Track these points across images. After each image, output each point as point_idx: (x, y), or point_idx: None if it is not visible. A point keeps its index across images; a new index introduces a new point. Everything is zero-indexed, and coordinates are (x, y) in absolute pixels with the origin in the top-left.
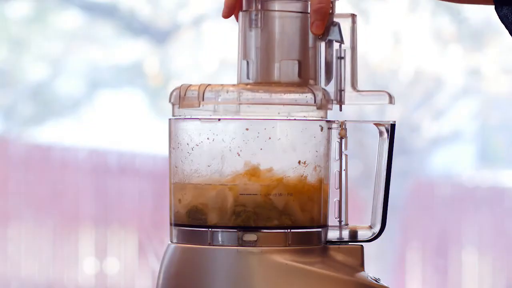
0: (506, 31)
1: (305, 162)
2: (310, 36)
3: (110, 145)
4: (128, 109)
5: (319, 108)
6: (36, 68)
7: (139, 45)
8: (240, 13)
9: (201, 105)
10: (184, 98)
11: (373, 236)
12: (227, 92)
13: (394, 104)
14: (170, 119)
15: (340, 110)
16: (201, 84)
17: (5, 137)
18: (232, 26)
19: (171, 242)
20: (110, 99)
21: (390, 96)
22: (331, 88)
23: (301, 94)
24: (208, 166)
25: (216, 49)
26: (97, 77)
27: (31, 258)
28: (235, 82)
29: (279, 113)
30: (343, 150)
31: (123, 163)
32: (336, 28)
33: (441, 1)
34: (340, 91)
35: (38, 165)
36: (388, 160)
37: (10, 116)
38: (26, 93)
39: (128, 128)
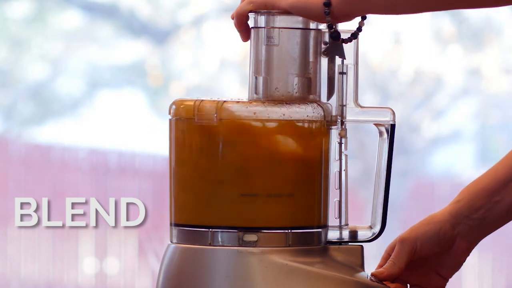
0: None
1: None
2: (313, 51)
3: (110, 145)
4: (128, 109)
5: (329, 124)
6: (36, 68)
7: (139, 45)
8: (252, 30)
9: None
10: (198, 114)
11: (373, 236)
12: (247, 108)
13: (395, 122)
14: (170, 119)
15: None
16: (217, 101)
17: (5, 137)
18: (232, 26)
19: (171, 242)
20: (110, 99)
21: (393, 113)
22: (332, 103)
23: (314, 111)
24: (209, 165)
25: (216, 49)
26: (97, 77)
27: (31, 258)
28: (235, 83)
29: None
30: (343, 150)
31: (123, 163)
32: (338, 44)
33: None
34: (341, 106)
35: (38, 165)
36: (388, 160)
37: (10, 116)
38: (26, 93)
39: (128, 128)
